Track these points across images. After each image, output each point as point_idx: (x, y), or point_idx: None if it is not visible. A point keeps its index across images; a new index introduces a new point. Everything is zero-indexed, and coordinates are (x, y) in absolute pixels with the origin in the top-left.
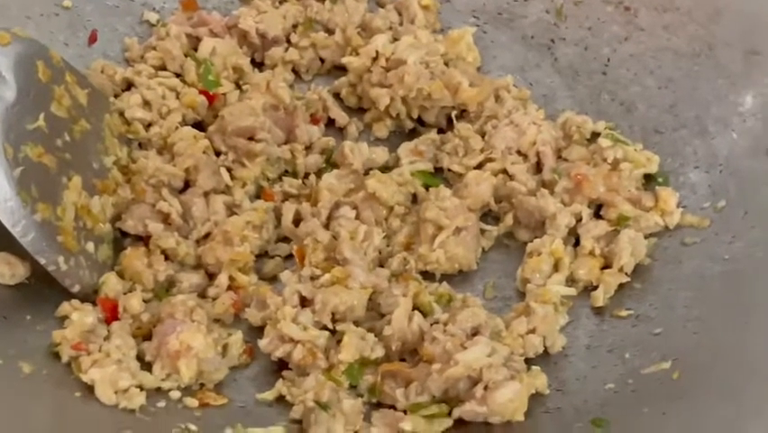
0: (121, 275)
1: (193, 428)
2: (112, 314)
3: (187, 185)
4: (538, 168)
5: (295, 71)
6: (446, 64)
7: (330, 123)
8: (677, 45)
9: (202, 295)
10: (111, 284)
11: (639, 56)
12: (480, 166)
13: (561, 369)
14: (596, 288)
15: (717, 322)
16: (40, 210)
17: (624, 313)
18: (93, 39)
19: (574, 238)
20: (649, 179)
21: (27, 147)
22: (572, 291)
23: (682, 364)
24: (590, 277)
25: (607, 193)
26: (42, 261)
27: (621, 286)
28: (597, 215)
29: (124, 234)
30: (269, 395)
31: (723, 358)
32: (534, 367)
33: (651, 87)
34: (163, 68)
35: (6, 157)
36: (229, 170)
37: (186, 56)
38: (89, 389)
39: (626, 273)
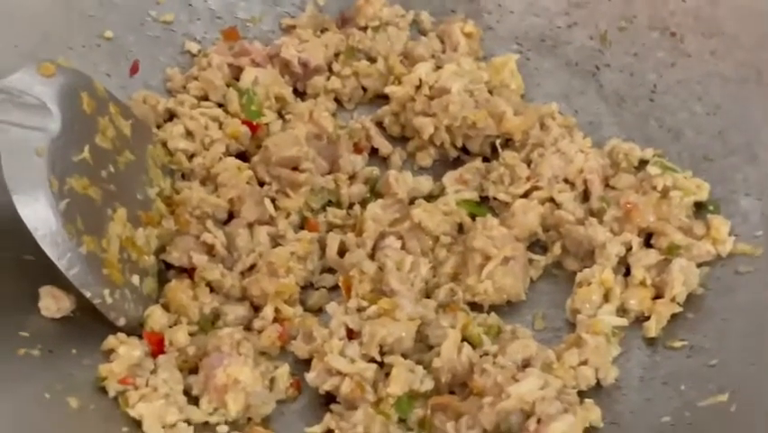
0: (166, 308)
1: None
2: (158, 347)
3: (231, 216)
4: (585, 196)
5: (337, 100)
6: (490, 92)
7: (373, 152)
8: (724, 70)
9: (247, 327)
10: (156, 317)
11: (686, 82)
12: (526, 195)
13: (614, 402)
14: (647, 318)
15: None
16: (85, 243)
17: (677, 344)
18: (134, 69)
19: (624, 268)
20: (699, 208)
21: (72, 179)
22: (624, 322)
23: (740, 397)
24: (642, 307)
25: (657, 222)
26: (88, 294)
27: (674, 316)
28: (647, 244)
29: (168, 267)
30: (317, 429)
31: None
32: (587, 400)
33: (699, 114)
34: (205, 98)
35: (52, 190)
36: (273, 200)
37: (228, 86)
38: (137, 424)
39: (679, 303)
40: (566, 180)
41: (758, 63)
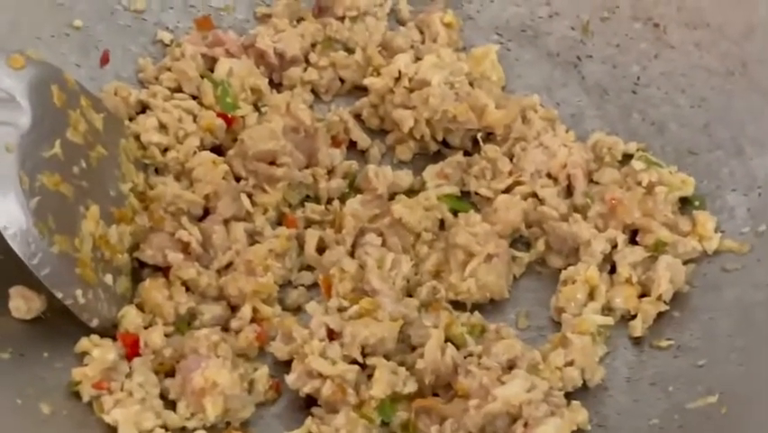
0: (140, 308)
1: None
2: (133, 349)
3: (207, 212)
4: (569, 191)
5: (314, 92)
6: (471, 84)
7: (351, 145)
8: (709, 63)
9: (224, 328)
10: (130, 318)
11: (670, 74)
12: (508, 189)
13: (601, 403)
14: (633, 317)
15: (763, 351)
16: (57, 242)
17: (664, 343)
18: (105, 60)
19: (609, 265)
20: (685, 203)
21: (43, 176)
22: (610, 321)
23: (729, 398)
24: (628, 306)
25: (642, 218)
26: (60, 294)
27: (660, 315)
28: (632, 240)
29: (142, 265)
30: None
31: None
32: (574, 402)
33: (683, 107)
34: (179, 89)
35: (22, 187)
36: (249, 195)
37: (202, 77)
38: (112, 430)
39: (665, 301)
40: (549, 175)
41: (743, 55)
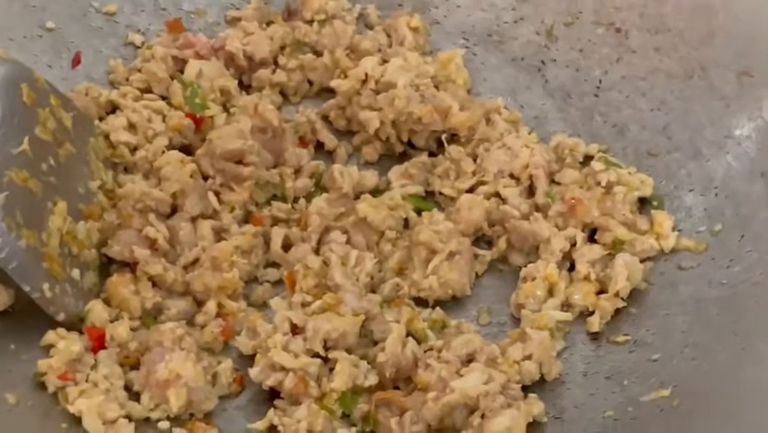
0: (107, 302)
1: None
2: (98, 342)
3: (174, 210)
4: (531, 191)
5: (282, 94)
6: (436, 87)
7: (318, 146)
8: (669, 67)
9: (190, 322)
10: (97, 312)
11: (631, 78)
12: (471, 189)
13: (558, 396)
14: (592, 313)
15: (716, 347)
16: (25, 236)
17: (621, 339)
18: (77, 61)
19: (569, 263)
20: (643, 203)
21: (12, 172)
22: (568, 316)
23: (682, 391)
24: (586, 302)
25: (601, 217)
26: (27, 288)
27: (617, 311)
28: (591, 239)
29: (110, 261)
30: (260, 425)
31: (722, 384)
32: (531, 395)
33: (643, 110)
34: (149, 90)
35: None
36: (217, 194)
37: (172, 78)
38: (76, 420)
39: (622, 298)
40: (511, 175)
41: (702, 60)
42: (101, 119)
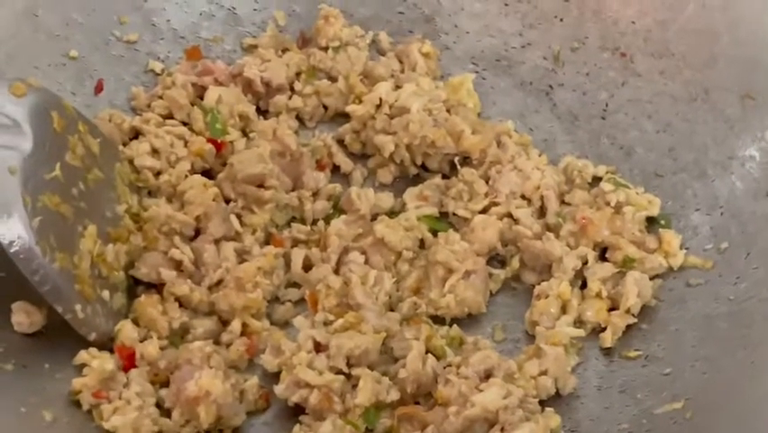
0: (136, 322)
1: None
2: (129, 361)
3: (198, 232)
4: (542, 212)
5: (299, 118)
6: (448, 111)
7: (335, 169)
8: (673, 90)
9: (216, 341)
10: (126, 332)
11: (636, 101)
12: (484, 210)
13: (573, 410)
14: (604, 329)
15: (725, 361)
16: (58, 259)
17: (633, 354)
18: (99, 88)
19: (581, 281)
20: (651, 222)
21: (45, 197)
22: (581, 333)
23: (694, 404)
24: (598, 319)
25: (611, 236)
26: (60, 309)
27: (629, 327)
28: (602, 257)
29: (137, 282)
30: None
31: (733, 396)
32: (547, 408)
33: (649, 132)
34: (170, 116)
35: (25, 207)
36: (239, 216)
37: (192, 105)
38: None
39: (633, 315)
40: (523, 196)
41: (705, 82)
42: (124, 145)
